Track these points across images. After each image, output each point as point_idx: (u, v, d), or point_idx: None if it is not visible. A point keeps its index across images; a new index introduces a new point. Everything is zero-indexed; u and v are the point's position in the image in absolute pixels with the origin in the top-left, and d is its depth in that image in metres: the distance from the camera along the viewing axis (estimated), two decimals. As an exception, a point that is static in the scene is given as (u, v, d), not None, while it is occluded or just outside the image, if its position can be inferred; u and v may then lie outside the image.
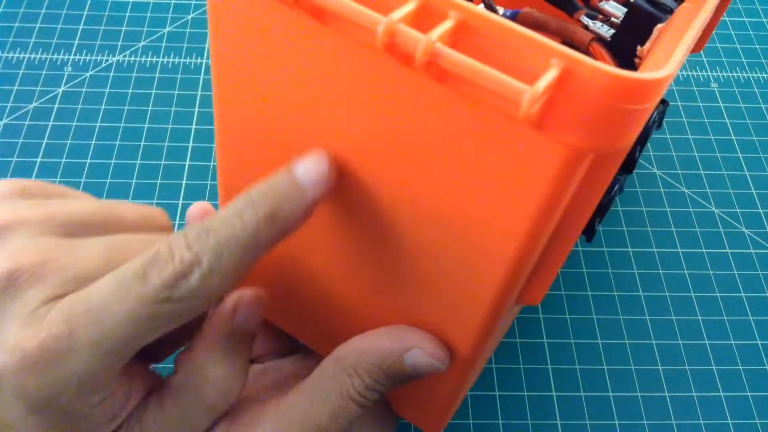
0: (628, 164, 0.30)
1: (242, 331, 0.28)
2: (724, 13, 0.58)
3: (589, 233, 0.31)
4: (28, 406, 0.23)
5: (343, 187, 0.25)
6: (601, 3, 0.29)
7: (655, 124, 0.29)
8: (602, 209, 0.30)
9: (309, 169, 0.24)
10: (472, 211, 0.22)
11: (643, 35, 0.27)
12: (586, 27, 0.29)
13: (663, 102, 0.31)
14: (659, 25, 0.26)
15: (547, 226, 0.21)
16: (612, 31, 0.28)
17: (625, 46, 0.27)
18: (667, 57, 0.18)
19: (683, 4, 0.26)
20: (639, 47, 0.27)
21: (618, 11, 0.28)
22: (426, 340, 0.27)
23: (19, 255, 0.24)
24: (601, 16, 0.29)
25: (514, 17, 0.31)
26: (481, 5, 0.30)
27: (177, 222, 0.44)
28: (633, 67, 0.27)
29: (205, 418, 0.27)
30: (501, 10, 0.31)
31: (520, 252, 0.22)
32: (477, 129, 0.20)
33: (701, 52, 0.56)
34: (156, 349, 0.29)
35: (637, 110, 0.17)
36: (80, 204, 0.27)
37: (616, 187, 0.30)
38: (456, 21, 0.18)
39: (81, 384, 0.23)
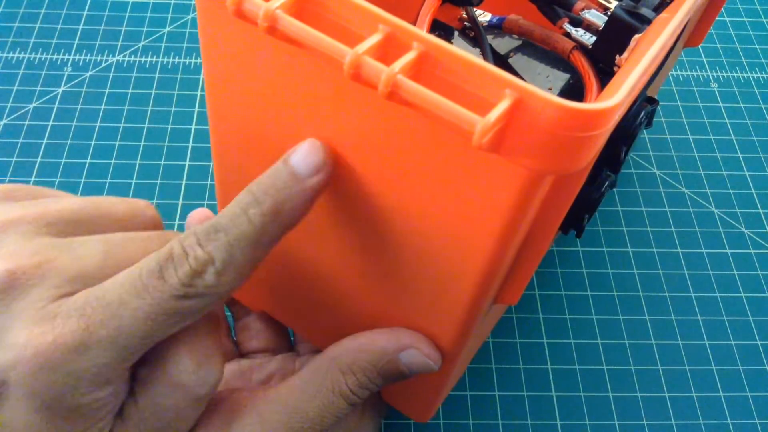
0: (615, 164, 0.31)
1: None
2: (724, 13, 0.59)
3: (578, 229, 0.32)
4: (36, 405, 0.23)
5: (331, 192, 0.27)
6: (583, 12, 0.30)
7: (642, 124, 0.31)
8: (592, 206, 0.31)
9: (304, 159, 0.25)
10: (446, 222, 0.24)
11: (622, 44, 0.28)
12: (568, 34, 0.30)
13: (652, 101, 0.32)
14: (636, 36, 0.28)
15: (515, 236, 0.24)
16: (594, 38, 0.30)
17: (605, 55, 0.29)
18: (619, 85, 0.20)
19: (661, 15, 0.28)
20: (618, 56, 0.28)
21: (599, 20, 0.30)
22: (421, 340, 0.29)
23: (16, 256, 0.24)
24: (584, 23, 0.31)
25: (500, 23, 0.32)
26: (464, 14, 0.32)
27: (177, 222, 0.46)
28: (612, 74, 0.29)
29: (184, 405, 0.26)
30: (488, 16, 0.33)
31: (492, 257, 0.24)
32: (443, 147, 0.22)
33: (701, 52, 0.57)
34: None
35: (588, 137, 0.19)
36: (66, 201, 0.27)
37: (606, 184, 0.31)
38: (418, 52, 0.20)
39: (94, 379, 0.23)
